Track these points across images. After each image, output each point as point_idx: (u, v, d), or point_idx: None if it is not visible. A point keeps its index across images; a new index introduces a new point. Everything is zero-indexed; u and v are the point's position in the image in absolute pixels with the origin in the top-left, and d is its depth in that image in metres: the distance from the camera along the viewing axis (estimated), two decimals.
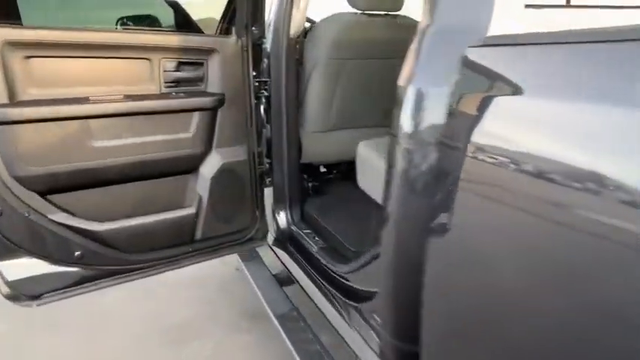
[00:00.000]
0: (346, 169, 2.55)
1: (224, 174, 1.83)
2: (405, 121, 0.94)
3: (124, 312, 2.29)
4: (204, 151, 1.79)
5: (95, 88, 1.54)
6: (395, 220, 1.01)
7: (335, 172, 2.59)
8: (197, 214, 1.81)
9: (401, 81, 0.97)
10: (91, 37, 1.47)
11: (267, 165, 2.07)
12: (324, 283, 1.77)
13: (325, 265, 1.75)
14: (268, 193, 2.11)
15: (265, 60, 1.89)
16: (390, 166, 0.99)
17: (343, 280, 1.61)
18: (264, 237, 2.16)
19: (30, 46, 1.39)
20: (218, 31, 2.60)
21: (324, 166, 2.55)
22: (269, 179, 2.08)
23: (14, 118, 1.39)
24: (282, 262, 2.16)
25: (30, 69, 1.42)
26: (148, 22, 2.63)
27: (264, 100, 1.94)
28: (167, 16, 2.81)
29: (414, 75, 0.95)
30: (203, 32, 1.96)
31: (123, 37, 1.53)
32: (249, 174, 1.93)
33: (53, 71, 1.46)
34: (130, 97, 1.57)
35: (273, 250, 2.20)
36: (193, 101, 1.69)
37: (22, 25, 1.42)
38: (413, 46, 0.96)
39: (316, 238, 1.96)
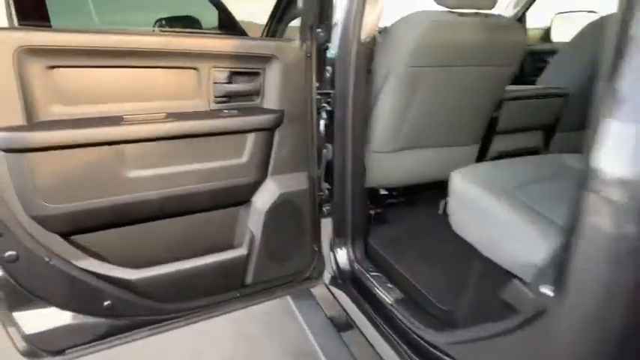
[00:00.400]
0: (411, 192, 2.20)
1: (281, 206, 1.51)
2: (622, 166, 0.60)
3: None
4: (259, 179, 1.48)
5: (131, 105, 1.24)
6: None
7: (395, 194, 2.24)
8: (248, 256, 1.50)
9: (605, 108, 0.63)
10: (128, 42, 1.18)
11: (326, 191, 1.74)
12: (398, 341, 1.44)
13: (405, 325, 1.41)
14: (325, 224, 1.78)
15: (329, 68, 1.57)
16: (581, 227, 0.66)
17: (433, 350, 1.27)
18: (320, 275, 1.84)
19: (53, 54, 1.10)
20: (264, 34, 2.31)
21: (385, 189, 2.21)
22: (327, 207, 1.76)
23: (33, 145, 1.11)
24: (340, 304, 1.83)
25: (53, 82, 1.13)
26: (187, 24, 2.35)
27: (324, 115, 1.61)
28: (208, 18, 2.53)
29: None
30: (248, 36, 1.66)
31: (167, 42, 1.23)
32: (310, 205, 1.61)
33: (81, 84, 1.17)
34: (173, 116, 1.27)
35: (329, 289, 1.87)
36: (248, 120, 1.37)
37: (46, 27, 1.14)
38: (627, 60, 0.61)
39: (389, 285, 1.62)
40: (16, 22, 1.15)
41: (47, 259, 1.24)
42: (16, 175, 1.12)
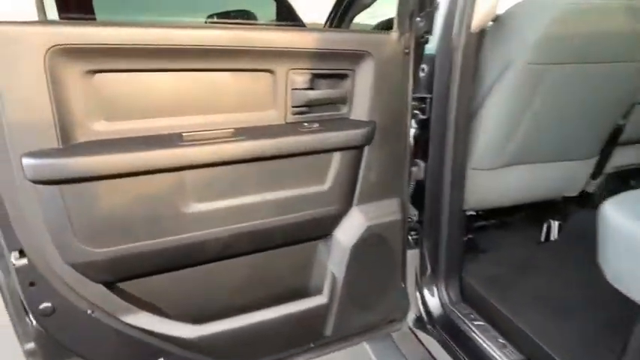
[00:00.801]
0: (502, 213, 1.85)
1: (369, 242, 1.21)
2: None
3: None
4: (343, 209, 1.18)
5: (191, 120, 0.97)
6: None
7: (482, 214, 1.89)
8: (329, 304, 1.20)
9: None
10: (191, 38, 0.90)
11: (414, 217, 1.43)
12: None
13: None
14: (411, 255, 1.47)
15: (424, 67, 1.25)
16: None
17: None
18: (404, 316, 1.52)
19: (94, 54, 0.84)
20: (328, 26, 2.00)
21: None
22: (414, 236, 1.45)
23: (70, 174, 0.85)
24: (429, 352, 1.52)
25: (94, 90, 0.87)
26: (243, 20, 2.08)
27: (415, 124, 1.30)
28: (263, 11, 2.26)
29: None
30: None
31: (237, 37, 0.94)
32: (402, 239, 1.30)
33: (129, 93, 0.91)
34: (242, 133, 0.99)
35: (415, 334, 1.56)
36: (334, 136, 1.07)
37: (87, 20, 0.88)
38: None
39: (500, 340, 1.28)
40: (48, 15, 0.89)
41: (88, 312, 0.99)
42: (49, 212, 0.87)
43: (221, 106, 1.00)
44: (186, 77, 0.95)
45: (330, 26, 2.02)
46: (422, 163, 1.35)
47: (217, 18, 2.00)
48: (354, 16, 2.07)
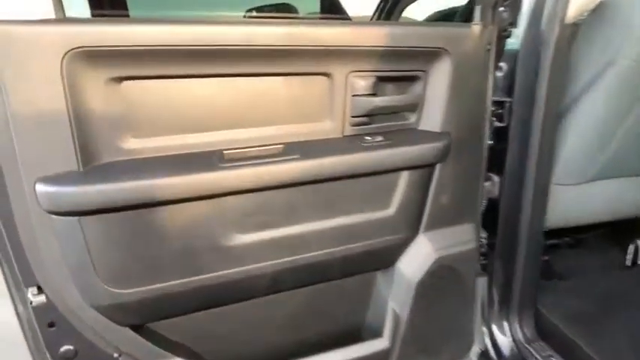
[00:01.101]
0: (577, 229, 1.61)
1: (437, 275, 1.02)
2: None
3: None
4: (408, 236, 0.99)
5: (233, 134, 0.81)
6: None
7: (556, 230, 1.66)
8: (391, 349, 1.02)
9: None
10: (234, 36, 0.74)
11: (483, 240, 1.23)
12: None
13: None
14: (478, 283, 1.27)
15: (503, 65, 1.05)
16: None
17: None
18: (468, 351, 1.32)
19: (121, 58, 0.69)
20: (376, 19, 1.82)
21: None
22: (482, 261, 1.25)
23: (92, 204, 0.70)
24: None
25: (120, 101, 0.73)
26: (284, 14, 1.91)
27: (489, 133, 1.10)
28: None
29: None
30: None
31: (288, 35, 0.77)
32: (475, 270, 1.10)
33: (161, 104, 0.76)
34: (294, 150, 0.82)
35: None
36: (403, 153, 0.89)
37: (112, 18, 0.73)
38: None
39: None
40: (69, 13, 0.75)
41: (115, 355, 0.85)
42: (68, 247, 0.73)
43: (268, 117, 0.83)
44: (227, 84, 0.79)
45: (379, 19, 1.83)
46: (496, 178, 1.14)
47: (257, 13, 1.83)
48: (404, 8, 1.87)
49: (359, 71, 0.85)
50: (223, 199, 0.78)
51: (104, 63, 0.69)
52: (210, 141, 0.80)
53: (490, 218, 1.19)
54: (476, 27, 0.91)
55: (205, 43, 0.72)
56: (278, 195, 0.82)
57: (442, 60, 0.89)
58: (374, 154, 0.85)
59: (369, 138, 0.88)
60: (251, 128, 0.82)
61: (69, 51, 0.65)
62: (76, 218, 0.71)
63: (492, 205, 1.18)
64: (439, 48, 0.88)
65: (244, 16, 1.82)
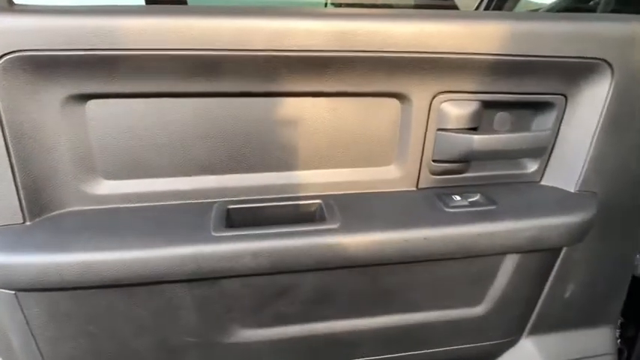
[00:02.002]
0: None
1: None
2: None
3: None
4: (505, 342, 0.66)
5: (239, 179, 0.54)
6: None
7: None
8: None
9: None
10: (258, 35, 0.46)
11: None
12: None
13: None
14: None
15: None
16: None
17: None
18: None
19: (85, 68, 0.45)
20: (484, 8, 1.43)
21: None
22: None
23: (37, 276, 0.48)
24: None
25: (86, 128, 0.48)
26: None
27: None
28: None
29: None
30: None
31: (338, 34, 0.47)
32: None
33: (141, 133, 0.50)
34: (333, 210, 0.53)
35: None
36: (511, 228, 0.55)
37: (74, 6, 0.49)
38: None
39: None
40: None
41: None
42: (7, 326, 0.52)
43: (303, 157, 0.55)
44: (241, 107, 0.51)
45: (487, 9, 1.46)
46: None
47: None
48: None
49: (451, 92, 0.53)
50: (231, 280, 0.52)
51: (60, 74, 0.45)
52: (210, 188, 0.53)
53: (633, 303, 0.81)
54: None
55: (213, 47, 0.45)
56: (308, 279, 0.54)
57: (596, 78, 0.54)
58: (464, 228, 0.53)
59: (457, 198, 0.56)
60: (274, 173, 0.55)
61: (3, 56, 0.42)
62: (12, 292, 0.49)
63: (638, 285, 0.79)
64: (594, 59, 0.52)
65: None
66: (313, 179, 0.56)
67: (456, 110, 0.54)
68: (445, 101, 0.54)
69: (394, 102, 0.54)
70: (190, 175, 0.53)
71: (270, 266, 0.49)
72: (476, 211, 0.54)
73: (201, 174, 0.53)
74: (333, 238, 0.50)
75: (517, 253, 0.57)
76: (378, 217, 0.53)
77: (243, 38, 0.45)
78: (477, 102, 0.55)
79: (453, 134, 0.55)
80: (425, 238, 0.51)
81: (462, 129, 0.55)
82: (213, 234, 0.49)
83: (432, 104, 0.54)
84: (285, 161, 0.54)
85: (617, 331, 0.85)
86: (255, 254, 0.48)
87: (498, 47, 0.51)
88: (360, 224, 0.52)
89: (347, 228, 0.51)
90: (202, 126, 0.51)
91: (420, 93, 0.53)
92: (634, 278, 0.80)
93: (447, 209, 0.54)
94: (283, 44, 0.46)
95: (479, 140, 0.55)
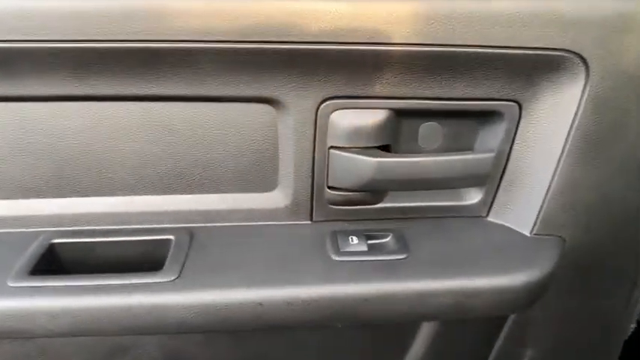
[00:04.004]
0: None
1: None
2: None
3: None
4: None
5: (66, 204, 0.42)
6: None
7: None
8: None
9: None
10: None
11: None
12: None
13: None
14: None
15: None
16: None
17: None
18: None
19: None
20: None
21: None
22: None
23: None
24: None
25: None
26: None
27: None
28: None
29: None
30: None
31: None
32: None
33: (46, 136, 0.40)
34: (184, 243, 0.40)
35: None
36: (441, 290, 0.39)
37: None
38: None
39: None
40: None
41: None
42: None
43: (151, 177, 0.42)
44: (63, 110, 0.39)
45: None
46: None
47: None
48: None
49: (344, 97, 0.38)
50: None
51: None
52: (33, 215, 0.42)
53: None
54: None
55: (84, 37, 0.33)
56: (152, 340, 0.42)
57: (563, 78, 0.36)
58: (350, 287, 0.38)
59: (354, 240, 0.41)
60: (114, 198, 0.42)
61: None
62: None
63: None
64: (560, 51, 0.35)
65: None
66: (172, 207, 0.43)
67: (353, 122, 0.39)
68: (336, 109, 0.38)
69: (268, 109, 0.39)
70: (9, 199, 0.42)
71: (75, 330, 0.37)
72: (373, 261, 0.39)
73: (22, 197, 0.42)
74: (161, 297, 0.37)
75: (435, 320, 0.42)
76: (233, 265, 0.39)
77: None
78: (385, 110, 0.39)
79: (347, 154, 0.39)
80: (288, 303, 0.37)
81: (364, 147, 0.40)
82: (10, 284, 0.37)
83: (319, 113, 0.38)
84: (129, 184, 0.42)
85: None
86: (53, 315, 0.37)
87: (413, 34, 0.34)
88: (206, 275, 0.38)
89: (185, 281, 0.38)
90: (21, 138, 0.39)
91: (298, 99, 0.38)
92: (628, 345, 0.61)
93: (335, 257, 0.40)
94: (87, 34, 0.33)
95: (379, 165, 0.39)
